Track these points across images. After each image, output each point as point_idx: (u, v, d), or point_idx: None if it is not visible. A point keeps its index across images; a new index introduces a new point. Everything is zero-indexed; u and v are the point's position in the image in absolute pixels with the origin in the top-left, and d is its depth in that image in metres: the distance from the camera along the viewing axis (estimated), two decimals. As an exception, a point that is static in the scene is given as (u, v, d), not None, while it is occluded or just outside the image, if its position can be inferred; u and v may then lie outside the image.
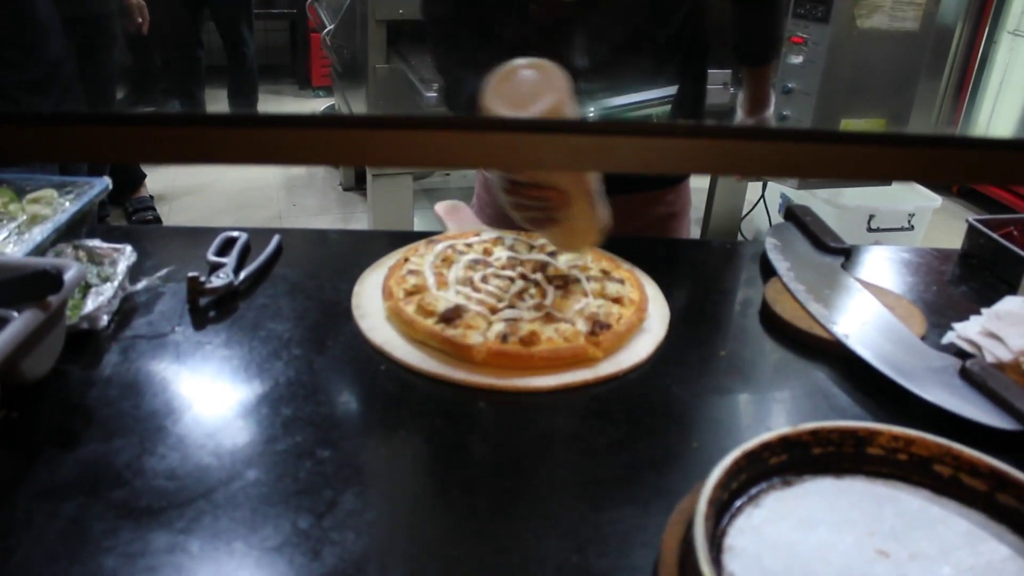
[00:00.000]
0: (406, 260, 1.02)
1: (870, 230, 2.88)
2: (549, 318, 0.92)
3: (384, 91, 2.48)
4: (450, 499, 0.72)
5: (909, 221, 2.87)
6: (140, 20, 2.85)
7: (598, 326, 0.91)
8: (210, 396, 0.82)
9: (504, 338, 0.87)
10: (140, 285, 0.99)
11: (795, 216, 1.32)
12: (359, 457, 0.75)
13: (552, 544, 0.68)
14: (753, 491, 0.73)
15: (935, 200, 3.03)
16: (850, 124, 2.46)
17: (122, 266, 0.97)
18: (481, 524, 0.69)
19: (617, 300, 0.98)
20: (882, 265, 1.28)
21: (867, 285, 1.14)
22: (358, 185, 3.78)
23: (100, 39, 2.55)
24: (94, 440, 0.75)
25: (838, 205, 2.91)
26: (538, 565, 0.65)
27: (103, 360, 0.87)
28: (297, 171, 4.09)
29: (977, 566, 0.68)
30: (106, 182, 1.08)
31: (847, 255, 1.21)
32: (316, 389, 0.84)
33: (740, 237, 3.17)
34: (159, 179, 3.70)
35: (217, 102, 4.48)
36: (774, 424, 0.84)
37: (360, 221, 3.55)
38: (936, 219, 3.08)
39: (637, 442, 0.81)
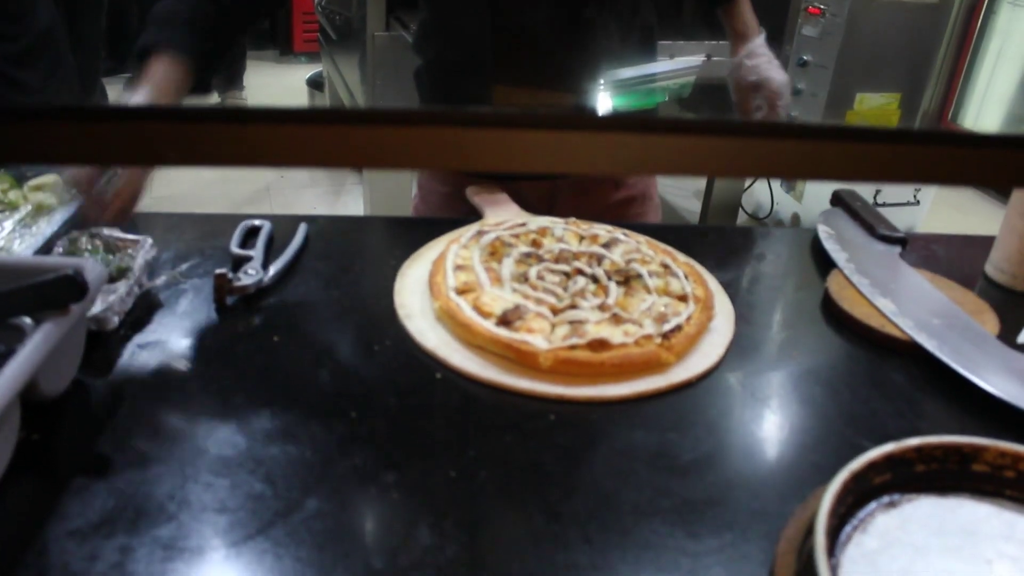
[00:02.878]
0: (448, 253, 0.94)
1: (876, 205, 2.82)
2: (616, 319, 0.84)
3: (382, 60, 2.37)
4: (534, 528, 0.64)
5: (915, 196, 2.82)
6: None
7: (670, 328, 0.84)
8: (251, 411, 0.74)
9: (572, 344, 0.80)
10: (160, 281, 0.90)
11: (843, 201, 1.25)
12: (427, 482, 0.68)
13: (654, 581, 0.61)
14: (859, 515, 0.67)
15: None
16: (865, 99, 2.39)
17: (140, 260, 0.88)
18: (571, 556, 0.62)
19: (682, 298, 0.90)
20: (938, 255, 1.21)
21: (932, 278, 1.07)
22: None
23: (86, 3, 2.42)
24: (129, 466, 0.67)
25: (844, 182, 2.85)
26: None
27: (123, 368, 0.78)
28: (282, 142, 3.97)
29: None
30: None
31: (903, 244, 1.15)
32: (369, 402, 0.76)
33: (741, 212, 3.10)
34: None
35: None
36: (861, 435, 0.77)
37: (351, 193, 3.45)
38: (941, 194, 3.04)
39: (723, 458, 0.75)
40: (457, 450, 0.72)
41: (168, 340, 0.83)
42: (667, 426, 0.77)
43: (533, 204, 1.16)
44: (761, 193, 3.14)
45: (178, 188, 3.39)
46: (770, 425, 0.80)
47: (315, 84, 3.97)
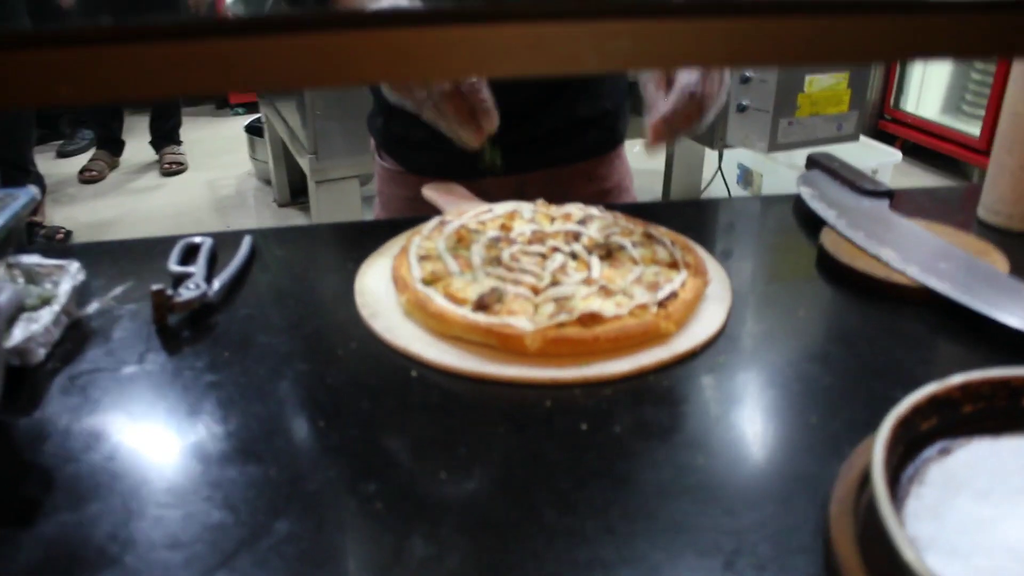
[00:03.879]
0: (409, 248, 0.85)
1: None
2: (605, 292, 0.76)
3: (322, 99, 2.30)
4: (546, 524, 0.55)
5: (873, 173, 2.79)
6: None
7: (665, 296, 0.75)
8: (203, 433, 0.64)
9: (560, 321, 0.71)
10: (91, 308, 0.80)
11: (819, 164, 1.18)
12: (416, 488, 0.58)
13: (693, 563, 0.52)
14: (912, 467, 0.59)
15: (895, 156, 2.98)
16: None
17: (66, 286, 0.78)
18: (594, 550, 0.53)
19: (672, 265, 0.82)
20: (926, 206, 1.15)
21: (928, 225, 1.01)
22: (294, 200, 3.57)
23: None
24: (60, 509, 0.56)
25: (798, 167, 2.82)
26: (688, 601, 0.50)
27: (52, 404, 0.68)
28: (226, 191, 3.87)
29: None
30: (31, 192, 0.88)
31: (891, 197, 1.08)
32: (338, 409, 0.67)
33: (702, 212, 3.05)
34: (66, 211, 3.42)
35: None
36: (890, 387, 0.69)
37: (295, 219, 3.34)
38: (896, 174, 3.02)
39: (745, 426, 0.66)
40: (445, 449, 0.62)
41: (103, 369, 0.72)
42: (678, 399, 0.69)
43: (498, 201, 1.08)
44: (719, 190, 3.09)
45: (105, 215, 3.25)
46: (791, 386, 0.71)
47: (254, 131, 3.87)
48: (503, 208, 0.92)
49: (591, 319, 0.71)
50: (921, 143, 4.19)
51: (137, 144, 4.33)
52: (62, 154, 4.40)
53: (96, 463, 0.61)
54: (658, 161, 3.32)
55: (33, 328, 0.72)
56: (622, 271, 0.80)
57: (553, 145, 1.17)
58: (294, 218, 3.50)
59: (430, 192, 1.06)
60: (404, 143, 1.19)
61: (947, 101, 4.23)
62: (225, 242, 0.94)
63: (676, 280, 0.78)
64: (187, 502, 0.57)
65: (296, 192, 3.53)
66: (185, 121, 4.47)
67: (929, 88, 4.26)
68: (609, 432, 0.64)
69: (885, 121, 4.39)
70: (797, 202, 1.10)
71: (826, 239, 0.96)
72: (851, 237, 0.96)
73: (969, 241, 0.98)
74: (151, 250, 0.93)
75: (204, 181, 4.02)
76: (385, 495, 0.57)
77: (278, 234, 1.01)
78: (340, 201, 2.56)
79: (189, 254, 0.91)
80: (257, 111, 3.94)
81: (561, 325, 0.71)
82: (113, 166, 4.23)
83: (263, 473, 0.59)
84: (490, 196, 1.05)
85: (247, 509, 0.56)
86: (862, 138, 2.83)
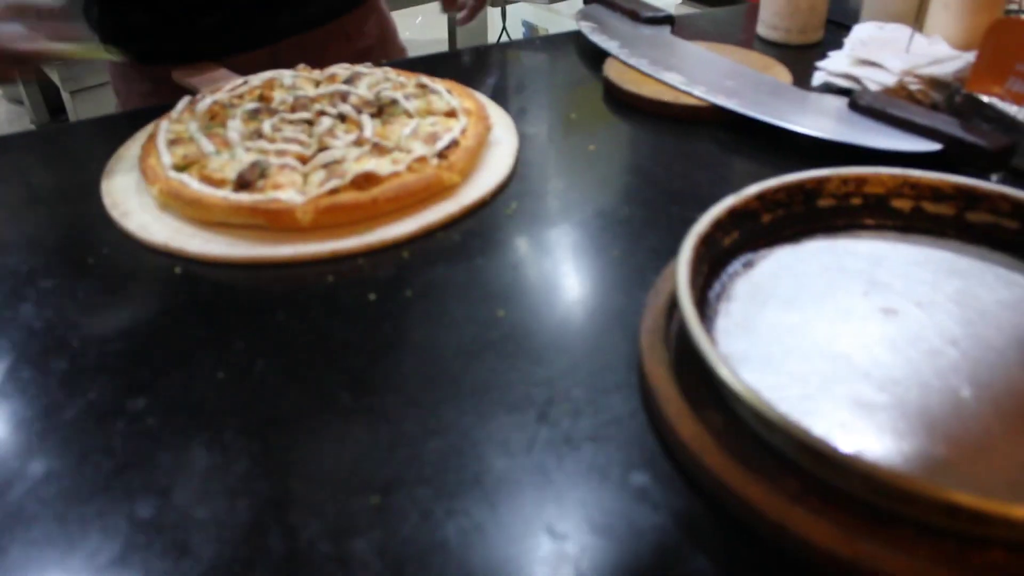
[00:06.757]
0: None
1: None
2: (380, 150, 0.69)
3: None
4: (342, 408, 0.50)
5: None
6: None
7: (445, 146, 0.70)
8: (-68, 377, 0.55)
9: (332, 187, 0.64)
10: None
11: (596, -3, 1.14)
12: (191, 394, 0.52)
13: (505, 420, 0.49)
14: (718, 284, 0.57)
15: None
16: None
17: None
18: (398, 427, 0.48)
19: (451, 114, 0.76)
20: (706, 29, 1.14)
21: (710, 46, 0.99)
22: (55, 118, 3.24)
23: None
24: None
25: (582, 15, 2.80)
26: (503, 448, 0.46)
27: None
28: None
29: (992, 298, 0.56)
30: None
31: (671, 22, 1.06)
32: (93, 324, 0.58)
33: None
34: None
35: None
36: (689, 210, 0.67)
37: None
38: (680, 14, 3.06)
39: (546, 271, 0.63)
40: (220, 346, 0.56)
41: None
42: (471, 253, 0.64)
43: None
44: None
45: None
46: (589, 223, 0.68)
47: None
48: (260, 78, 0.83)
49: (367, 180, 0.65)
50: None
51: None
52: None
53: None
54: (440, 28, 3.21)
55: None
56: (396, 126, 0.73)
57: (293, 5, 1.05)
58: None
59: (180, 75, 0.95)
60: (127, 32, 1.03)
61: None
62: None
63: (456, 128, 0.73)
64: (-84, 460, 0.48)
65: (55, 110, 3.20)
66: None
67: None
68: (400, 299, 0.59)
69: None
70: (578, 38, 1.06)
71: (610, 70, 0.93)
72: (635, 64, 0.93)
73: (752, 58, 0.97)
74: None
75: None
76: (156, 409, 0.50)
77: (8, 143, 0.87)
78: (106, 110, 2.33)
79: None
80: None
81: (334, 192, 0.64)
82: None
83: (10, 411, 0.51)
84: (244, 73, 0.94)
85: (-8, 455, 0.48)
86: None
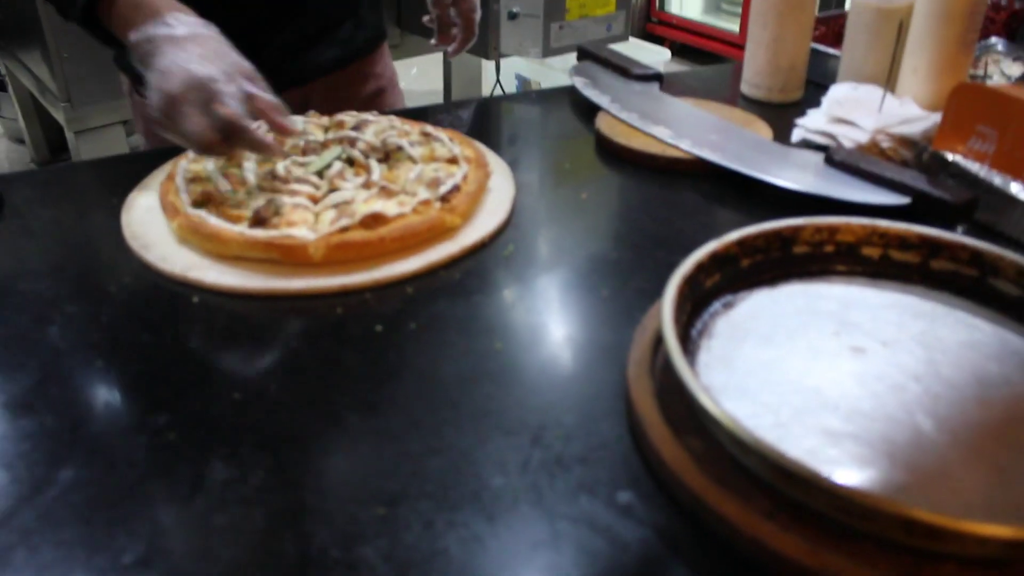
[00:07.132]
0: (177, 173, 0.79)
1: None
2: (387, 192, 0.74)
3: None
4: (349, 427, 0.54)
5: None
6: None
7: (447, 190, 0.74)
8: (-36, 394, 0.58)
9: (342, 226, 0.69)
10: None
11: (590, 55, 1.20)
12: (210, 412, 0.55)
13: (501, 442, 0.52)
14: (700, 322, 0.62)
15: (665, 54, 3.11)
16: (580, -24, 2.39)
17: None
18: (401, 445, 0.52)
19: (452, 161, 0.81)
20: (694, 86, 1.20)
21: (696, 103, 1.05)
22: (56, 157, 3.29)
23: None
24: None
25: (575, 70, 2.88)
26: (499, 467, 0.50)
27: None
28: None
29: (953, 339, 0.60)
30: None
31: (660, 80, 1.12)
32: (116, 346, 0.62)
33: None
34: None
35: None
36: (674, 254, 0.72)
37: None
38: (667, 72, 3.14)
39: (542, 307, 0.67)
40: (236, 370, 0.60)
41: None
42: (471, 290, 0.68)
43: None
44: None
45: None
46: (580, 265, 0.73)
47: (-2, 86, 3.51)
48: (272, 122, 0.88)
49: (374, 220, 0.69)
50: (687, 42, 4.40)
51: None
52: None
53: None
54: (435, 79, 3.29)
55: None
56: (402, 170, 0.78)
57: (318, 45, 1.11)
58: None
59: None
60: None
61: (708, 2, 4.44)
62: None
63: (457, 174, 0.78)
64: (-48, 468, 0.52)
65: (56, 149, 3.25)
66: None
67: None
68: (405, 330, 0.63)
69: (652, 24, 4.57)
70: (572, 93, 1.12)
71: (602, 123, 0.98)
72: (625, 118, 0.99)
73: (735, 114, 1.03)
74: None
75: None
76: (177, 425, 0.54)
77: (27, 178, 0.92)
78: (106, 152, 2.38)
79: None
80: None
81: (344, 230, 0.69)
82: None
83: (38, 424, 0.55)
84: None
85: (23, 464, 0.52)
86: (632, 39, 2.91)
